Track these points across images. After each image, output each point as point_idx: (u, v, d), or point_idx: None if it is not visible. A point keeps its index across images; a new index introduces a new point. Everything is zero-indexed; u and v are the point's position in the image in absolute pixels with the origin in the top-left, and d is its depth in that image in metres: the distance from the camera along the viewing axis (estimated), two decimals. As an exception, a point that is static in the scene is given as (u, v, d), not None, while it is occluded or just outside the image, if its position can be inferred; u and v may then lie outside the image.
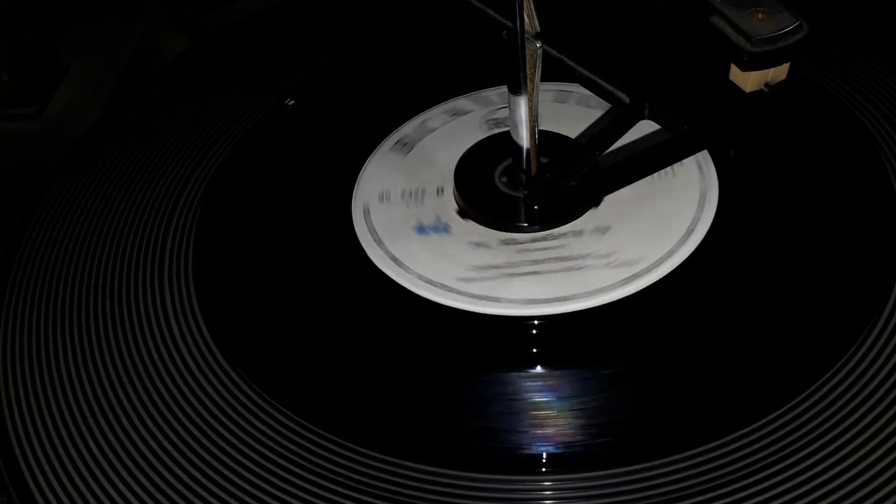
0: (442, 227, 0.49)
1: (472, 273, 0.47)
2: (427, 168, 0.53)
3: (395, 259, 0.48)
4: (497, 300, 0.45)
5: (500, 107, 0.57)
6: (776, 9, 0.42)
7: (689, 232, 0.47)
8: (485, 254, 0.48)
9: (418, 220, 0.50)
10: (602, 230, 0.48)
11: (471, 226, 0.49)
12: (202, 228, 0.52)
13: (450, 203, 0.51)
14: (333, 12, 0.69)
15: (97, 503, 0.40)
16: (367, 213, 0.51)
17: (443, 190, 0.52)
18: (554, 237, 0.48)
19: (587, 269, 0.46)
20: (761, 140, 0.51)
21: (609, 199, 0.50)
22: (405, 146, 0.55)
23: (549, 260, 0.47)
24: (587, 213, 0.49)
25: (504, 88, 0.56)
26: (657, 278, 0.45)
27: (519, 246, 0.48)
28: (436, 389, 0.43)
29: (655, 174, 0.50)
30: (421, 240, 0.49)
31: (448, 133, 0.55)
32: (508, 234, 0.49)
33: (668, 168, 0.50)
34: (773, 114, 0.44)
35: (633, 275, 0.45)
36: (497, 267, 0.47)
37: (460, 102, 0.58)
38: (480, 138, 0.54)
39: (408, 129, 0.56)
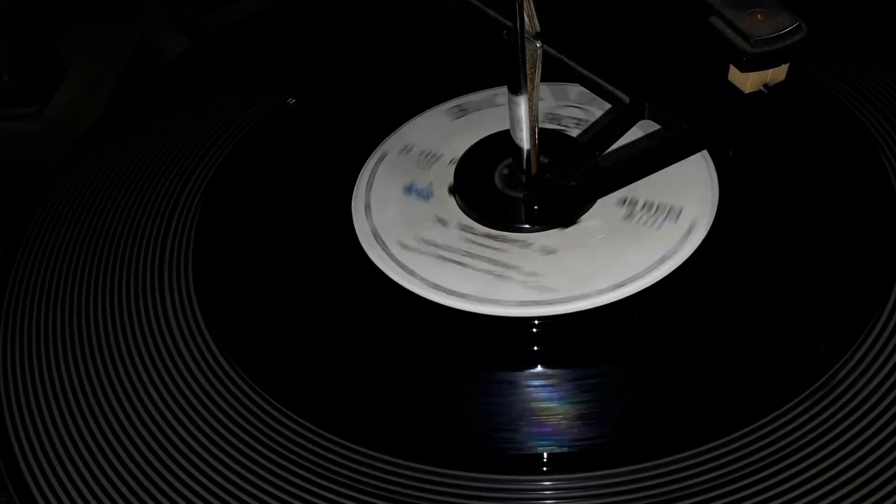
0: (425, 193, 0.50)
1: (414, 243, 0.48)
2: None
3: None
4: (413, 274, 0.47)
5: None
6: (775, 10, 0.42)
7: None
8: (436, 230, 0.49)
9: (412, 181, 0.51)
10: (548, 251, 0.48)
11: (450, 203, 0.50)
12: (202, 228, 0.52)
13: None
14: (333, 12, 0.69)
15: (97, 503, 0.40)
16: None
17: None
18: (505, 240, 0.48)
19: (505, 279, 0.46)
20: (760, 140, 0.51)
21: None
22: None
23: (479, 258, 0.47)
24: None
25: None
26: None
27: (470, 235, 0.48)
28: (436, 389, 0.43)
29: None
30: (402, 200, 0.51)
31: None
32: (469, 221, 0.49)
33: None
34: (771, 115, 0.44)
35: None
36: (435, 245, 0.48)
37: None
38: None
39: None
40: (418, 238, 0.49)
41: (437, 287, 0.46)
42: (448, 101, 0.58)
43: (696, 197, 0.49)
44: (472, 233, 0.49)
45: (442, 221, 0.49)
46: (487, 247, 0.48)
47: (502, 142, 0.52)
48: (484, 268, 0.47)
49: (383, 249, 0.49)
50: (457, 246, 0.48)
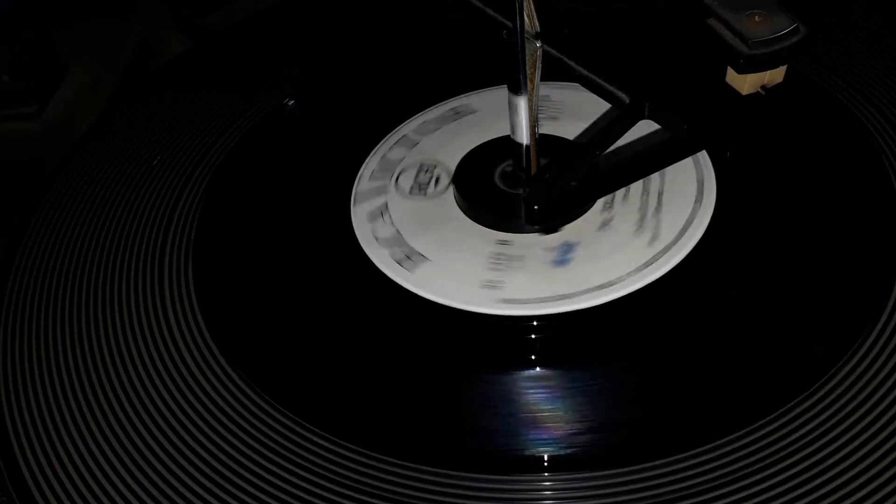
0: (571, 246, 0.48)
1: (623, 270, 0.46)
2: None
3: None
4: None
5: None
6: (773, 11, 0.42)
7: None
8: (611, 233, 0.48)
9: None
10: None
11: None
12: (202, 228, 0.52)
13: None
14: (333, 12, 0.69)
15: (97, 503, 0.40)
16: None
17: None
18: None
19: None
20: (760, 140, 0.51)
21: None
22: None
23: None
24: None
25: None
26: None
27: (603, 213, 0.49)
28: (436, 389, 0.43)
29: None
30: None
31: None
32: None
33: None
34: (770, 116, 0.44)
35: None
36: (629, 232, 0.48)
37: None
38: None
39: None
40: (622, 263, 0.47)
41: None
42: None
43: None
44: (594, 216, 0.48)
45: (607, 223, 0.48)
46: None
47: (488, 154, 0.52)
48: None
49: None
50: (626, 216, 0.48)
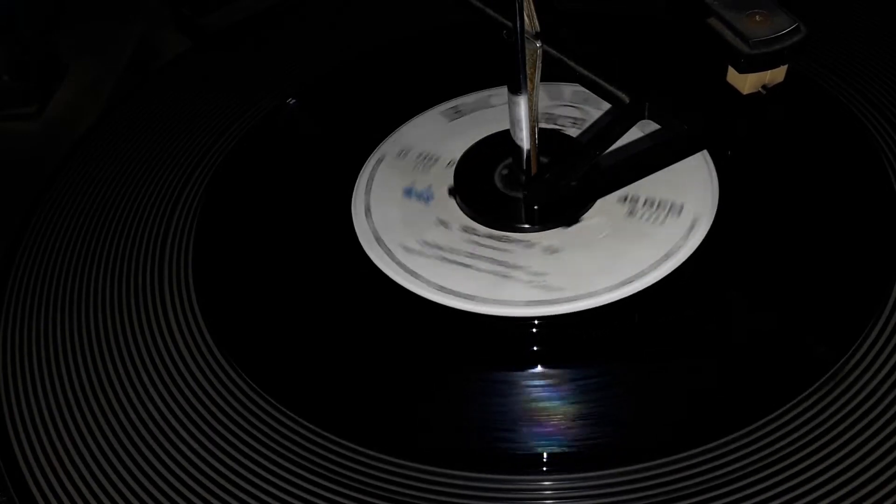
0: (425, 195, 0.50)
1: (415, 245, 0.48)
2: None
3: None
4: (417, 276, 0.46)
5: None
6: (774, 10, 0.42)
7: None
8: (438, 232, 0.49)
9: (411, 183, 0.51)
10: (552, 250, 0.48)
11: (451, 205, 0.50)
12: (202, 228, 0.52)
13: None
14: (333, 12, 0.69)
15: (97, 503, 0.40)
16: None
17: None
18: (509, 240, 0.48)
19: (510, 279, 0.46)
20: (760, 140, 0.51)
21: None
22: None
23: (483, 259, 0.47)
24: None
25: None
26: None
27: (472, 237, 0.48)
28: (436, 389, 0.43)
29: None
30: (402, 202, 0.51)
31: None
32: (471, 222, 0.49)
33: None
34: (770, 115, 0.44)
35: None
36: (438, 247, 0.48)
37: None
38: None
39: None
40: (420, 240, 0.49)
41: (439, 288, 0.46)
42: (444, 102, 0.58)
43: (697, 197, 0.49)
44: (474, 234, 0.49)
45: (443, 223, 0.49)
46: (491, 247, 0.48)
47: (501, 142, 0.52)
48: (488, 268, 0.47)
49: (384, 250, 0.49)
50: (460, 247, 0.48)
